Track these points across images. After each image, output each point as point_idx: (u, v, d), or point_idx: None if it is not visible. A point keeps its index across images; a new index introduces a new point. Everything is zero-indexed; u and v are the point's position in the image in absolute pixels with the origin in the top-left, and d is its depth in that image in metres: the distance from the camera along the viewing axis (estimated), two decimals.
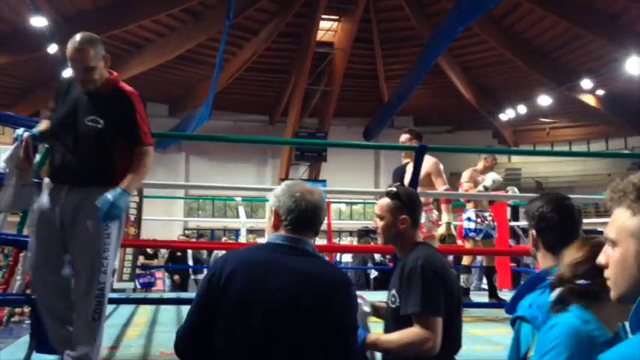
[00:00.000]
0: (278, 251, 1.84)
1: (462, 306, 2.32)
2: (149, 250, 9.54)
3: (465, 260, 5.90)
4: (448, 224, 4.69)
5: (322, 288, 1.77)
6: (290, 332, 1.70)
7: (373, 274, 10.67)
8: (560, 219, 1.95)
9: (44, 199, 2.67)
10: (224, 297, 1.75)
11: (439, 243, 4.66)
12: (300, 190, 1.89)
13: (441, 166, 4.89)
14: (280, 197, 1.90)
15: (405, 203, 2.35)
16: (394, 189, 2.41)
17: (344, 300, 1.81)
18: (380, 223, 2.40)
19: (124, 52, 19.74)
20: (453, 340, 2.25)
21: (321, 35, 20.21)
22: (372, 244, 10.21)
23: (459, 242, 6.49)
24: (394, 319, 2.25)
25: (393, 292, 2.31)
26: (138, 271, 7.71)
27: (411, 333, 2.14)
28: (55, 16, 16.42)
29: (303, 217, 1.87)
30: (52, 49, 15.48)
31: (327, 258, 8.84)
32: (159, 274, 11.44)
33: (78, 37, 2.83)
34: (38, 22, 14.27)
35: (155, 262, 9.92)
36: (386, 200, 2.39)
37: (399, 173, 4.93)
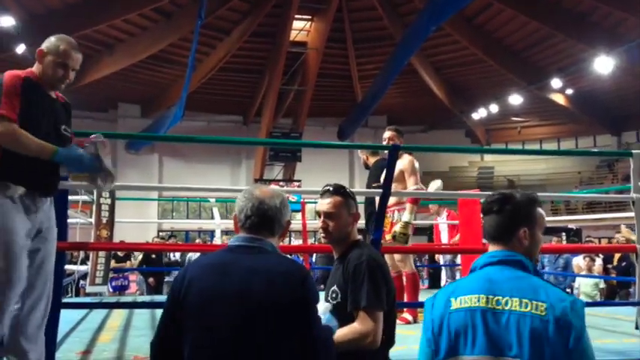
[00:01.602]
0: (235, 252, 1.85)
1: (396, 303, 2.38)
2: (119, 253, 9.41)
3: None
4: (407, 223, 4.65)
5: (277, 283, 1.74)
6: (252, 331, 1.69)
7: None
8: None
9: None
10: (186, 304, 1.76)
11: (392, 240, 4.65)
12: (251, 191, 1.92)
13: (417, 165, 4.87)
14: (238, 201, 1.94)
15: (354, 200, 2.41)
16: (338, 186, 2.43)
17: (300, 293, 1.77)
18: (331, 222, 2.37)
19: (95, 52, 19.47)
20: (390, 335, 2.31)
21: (294, 35, 20.19)
22: None
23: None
24: (337, 316, 2.25)
25: (334, 288, 2.33)
26: (110, 274, 7.59)
27: (355, 328, 2.16)
28: (23, 15, 16.12)
29: (254, 216, 1.88)
30: (20, 49, 15.18)
31: (301, 258, 8.83)
32: (132, 276, 11.31)
33: (68, 38, 2.86)
34: (5, 21, 13.98)
35: (128, 264, 9.79)
36: (338, 198, 2.38)
37: (379, 169, 4.91)
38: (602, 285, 9.07)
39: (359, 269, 2.21)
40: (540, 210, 1.82)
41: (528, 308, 1.58)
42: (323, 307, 2.34)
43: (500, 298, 1.62)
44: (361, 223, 2.87)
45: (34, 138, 2.49)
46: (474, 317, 1.63)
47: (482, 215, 1.83)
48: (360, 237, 2.44)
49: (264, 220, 1.89)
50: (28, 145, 2.47)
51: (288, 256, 3.05)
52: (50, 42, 2.76)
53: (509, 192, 1.81)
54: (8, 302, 2.45)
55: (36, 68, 2.69)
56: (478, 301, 1.64)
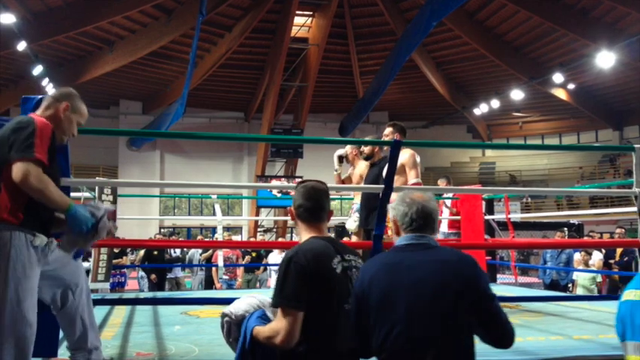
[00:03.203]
0: (404, 250, 2.11)
1: (349, 298, 2.21)
2: (115, 250, 9.39)
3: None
4: None
5: (451, 270, 2.02)
6: (433, 314, 1.95)
7: None
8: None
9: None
10: (370, 301, 2.05)
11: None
12: (411, 197, 2.18)
13: (418, 159, 4.85)
14: (395, 207, 2.19)
15: (301, 195, 2.38)
16: (299, 181, 2.47)
17: (474, 276, 2.03)
18: None
19: (96, 49, 19.48)
20: (329, 332, 2.17)
21: (295, 31, 20.15)
22: (346, 239, 10.16)
23: None
24: None
25: None
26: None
27: (270, 326, 2.18)
28: (24, 13, 16.12)
29: (420, 218, 2.14)
30: (21, 46, 15.18)
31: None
32: (132, 272, 11.30)
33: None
34: (6, 19, 13.96)
35: (124, 259, 9.78)
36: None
37: (376, 167, 4.93)
38: (599, 279, 9.08)
39: (280, 267, 2.19)
40: None
41: None
42: (245, 304, 2.41)
43: None
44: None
45: (56, 187, 2.52)
46: (633, 308, 2.03)
47: None
48: (310, 235, 2.33)
49: (428, 220, 2.15)
50: (51, 193, 2.48)
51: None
52: (73, 99, 2.78)
53: None
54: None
55: (50, 117, 2.68)
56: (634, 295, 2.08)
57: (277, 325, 2.12)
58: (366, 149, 5.16)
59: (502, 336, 2.07)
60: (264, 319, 2.28)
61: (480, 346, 3.65)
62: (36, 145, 2.46)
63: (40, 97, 3.14)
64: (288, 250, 2.23)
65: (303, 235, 2.36)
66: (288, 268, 2.14)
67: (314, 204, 2.37)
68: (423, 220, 2.14)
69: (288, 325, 2.09)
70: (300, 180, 2.48)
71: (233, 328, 2.40)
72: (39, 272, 2.55)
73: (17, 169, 2.41)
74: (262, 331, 2.19)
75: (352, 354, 2.21)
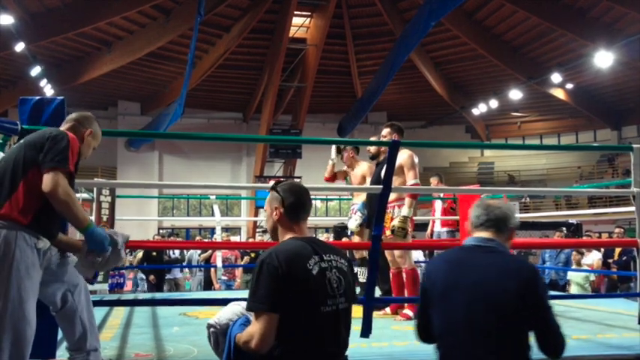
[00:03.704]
0: (470, 250, 2.24)
1: (332, 299, 2.16)
2: None
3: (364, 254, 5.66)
4: (405, 218, 4.63)
5: (508, 277, 2.10)
6: (484, 315, 2.07)
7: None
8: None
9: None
10: (432, 293, 2.22)
11: (392, 235, 4.64)
12: (485, 201, 2.34)
13: (416, 160, 4.86)
14: (472, 210, 2.33)
15: (281, 195, 2.32)
16: (274, 182, 2.42)
17: (529, 286, 2.09)
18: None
19: (94, 49, 19.48)
20: (304, 335, 2.11)
21: (293, 31, 20.15)
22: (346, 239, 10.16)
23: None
24: None
25: None
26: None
27: (246, 330, 2.14)
28: (22, 13, 16.11)
29: (489, 220, 2.27)
30: (19, 47, 15.17)
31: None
32: (129, 273, 11.30)
33: None
34: (4, 20, 13.96)
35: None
36: (270, 193, 2.40)
37: (381, 167, 4.93)
38: (592, 277, 9.09)
39: (255, 269, 2.15)
40: None
41: None
42: (229, 312, 2.38)
43: None
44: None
45: (79, 204, 2.59)
46: None
47: None
48: (289, 235, 2.28)
49: (497, 225, 2.26)
50: (75, 208, 2.54)
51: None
52: (95, 126, 2.88)
53: None
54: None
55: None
56: None
57: (252, 329, 2.09)
58: (372, 149, 5.16)
59: (553, 346, 2.15)
60: (248, 326, 2.22)
61: None
62: (69, 158, 2.54)
63: (37, 97, 3.15)
64: (263, 252, 2.18)
65: (283, 237, 2.31)
66: (261, 271, 2.09)
67: (301, 202, 2.34)
68: (491, 224, 2.26)
69: (261, 328, 2.05)
70: (276, 181, 2.44)
71: (220, 338, 2.36)
72: (41, 274, 2.57)
73: (49, 179, 2.47)
74: (240, 336, 2.15)
75: (331, 357, 2.17)
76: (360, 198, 5.68)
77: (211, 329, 2.39)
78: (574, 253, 9.03)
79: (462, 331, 2.11)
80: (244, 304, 2.38)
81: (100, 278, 6.65)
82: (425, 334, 2.31)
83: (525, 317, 2.08)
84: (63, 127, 2.76)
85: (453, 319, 2.14)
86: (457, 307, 2.12)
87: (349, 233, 5.72)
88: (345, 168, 5.89)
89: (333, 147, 5.78)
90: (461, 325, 2.11)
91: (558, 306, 5.26)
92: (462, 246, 2.33)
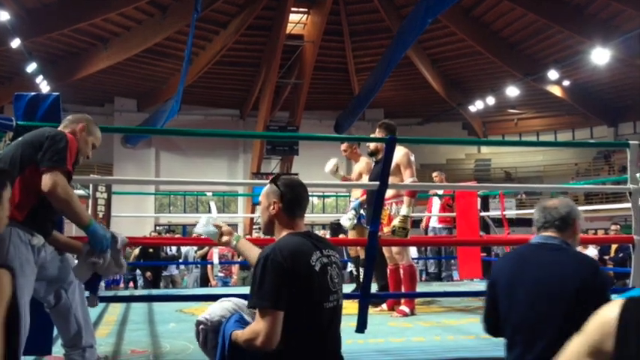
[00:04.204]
0: (536, 248, 2.34)
1: (333, 295, 2.15)
2: None
3: (359, 251, 5.69)
4: (405, 217, 4.64)
5: (570, 273, 2.17)
6: (546, 310, 2.13)
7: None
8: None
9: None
10: (498, 287, 2.32)
11: (392, 234, 4.64)
12: (548, 201, 2.43)
13: (412, 157, 4.85)
14: (535, 211, 2.43)
15: (280, 189, 2.28)
16: (274, 175, 2.39)
17: (593, 283, 2.14)
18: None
19: (90, 46, 19.41)
20: (308, 332, 2.10)
21: (290, 28, 20.12)
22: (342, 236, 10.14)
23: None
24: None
25: None
26: None
27: (250, 327, 2.10)
28: (18, 10, 16.04)
29: (554, 220, 2.35)
30: (15, 43, 15.11)
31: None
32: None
33: None
34: (0, 16, 13.91)
35: None
36: (267, 186, 2.37)
37: (379, 165, 4.93)
38: None
39: (257, 265, 2.10)
40: None
41: None
42: (220, 309, 2.34)
43: None
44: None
45: (79, 203, 2.61)
46: None
47: None
48: (287, 231, 2.25)
49: (555, 224, 2.35)
50: (76, 206, 2.57)
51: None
52: (88, 122, 2.88)
53: None
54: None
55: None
56: None
57: (257, 326, 2.04)
58: (371, 146, 5.16)
59: None
60: (242, 323, 2.20)
61: (473, 342, 3.66)
62: (67, 157, 2.56)
63: (32, 94, 3.14)
64: (264, 248, 2.15)
65: (280, 232, 2.27)
66: (265, 267, 2.05)
67: (300, 198, 2.31)
68: (550, 225, 2.36)
69: (267, 326, 2.01)
70: (273, 176, 2.39)
71: (210, 335, 2.30)
72: (35, 271, 2.56)
73: (48, 178, 2.49)
74: (242, 334, 2.10)
75: (332, 354, 2.16)
76: (355, 194, 5.70)
77: (201, 326, 2.34)
78: None
79: (526, 326, 2.17)
80: (235, 299, 2.38)
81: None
82: (494, 328, 2.38)
83: (587, 312, 2.06)
84: (60, 128, 2.76)
85: (517, 315, 2.22)
86: (520, 304, 2.21)
87: (345, 230, 5.73)
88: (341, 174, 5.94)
89: (331, 175, 5.81)
90: (525, 321, 2.18)
91: None
92: (528, 244, 2.43)
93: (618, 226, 9.39)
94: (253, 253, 2.51)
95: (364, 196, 5.42)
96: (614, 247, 8.96)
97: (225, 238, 2.63)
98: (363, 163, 5.63)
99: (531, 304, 2.17)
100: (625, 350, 1.26)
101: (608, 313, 1.33)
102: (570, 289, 2.12)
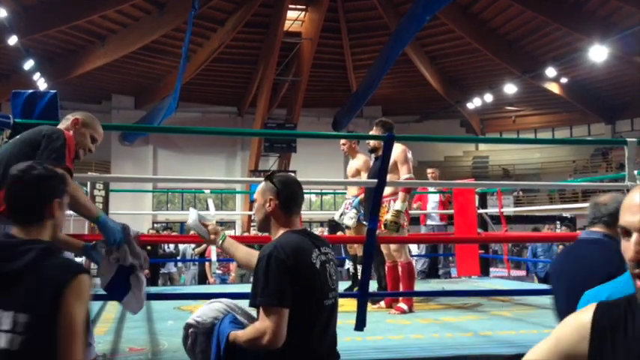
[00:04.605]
0: (581, 243, 2.43)
1: (332, 292, 2.17)
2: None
3: (360, 250, 5.67)
4: (398, 212, 4.64)
5: (598, 266, 2.19)
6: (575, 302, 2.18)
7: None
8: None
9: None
10: (551, 280, 2.50)
11: (385, 229, 4.64)
12: (596, 198, 2.47)
13: (409, 154, 4.86)
14: (587, 208, 2.51)
15: (277, 186, 2.27)
16: (270, 172, 2.39)
17: (618, 271, 2.14)
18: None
19: (88, 43, 19.37)
20: (309, 329, 2.10)
21: (288, 25, 20.08)
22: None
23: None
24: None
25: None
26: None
27: (254, 327, 2.08)
28: (15, 6, 16.00)
29: (593, 217, 2.40)
30: (12, 40, 15.08)
31: None
32: None
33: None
34: None
35: None
36: (262, 183, 2.36)
37: (378, 162, 4.92)
38: None
39: (259, 263, 2.09)
40: None
41: None
42: (212, 310, 2.29)
43: None
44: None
45: (85, 196, 2.63)
46: None
47: None
48: (285, 229, 2.24)
49: (604, 220, 2.36)
50: (83, 200, 2.61)
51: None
52: (86, 115, 2.87)
53: None
54: None
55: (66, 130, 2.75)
56: None
57: (262, 325, 2.02)
58: (371, 142, 5.15)
59: None
60: (237, 324, 2.18)
61: (471, 339, 3.67)
62: (66, 155, 2.55)
63: (30, 91, 3.12)
64: (265, 247, 2.13)
65: (276, 230, 2.26)
66: (269, 265, 2.04)
67: (296, 196, 2.30)
68: (598, 220, 2.39)
69: (274, 324, 2.00)
70: (269, 173, 2.38)
71: (200, 338, 2.27)
72: None
73: None
74: (243, 334, 2.08)
75: (330, 351, 2.16)
76: (352, 191, 5.69)
77: (191, 329, 2.30)
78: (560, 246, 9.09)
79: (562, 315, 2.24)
80: (225, 300, 2.36)
81: (94, 272, 6.63)
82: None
83: None
84: (60, 126, 2.75)
85: (558, 310, 2.32)
86: (560, 297, 2.33)
87: (345, 226, 5.71)
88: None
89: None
90: (564, 316, 2.23)
91: (545, 299, 5.30)
92: (577, 239, 2.56)
93: None
94: (240, 251, 2.55)
95: (363, 194, 5.42)
96: None
97: (211, 237, 2.63)
98: (360, 161, 5.62)
99: (567, 299, 2.22)
100: (599, 354, 1.25)
101: (582, 317, 1.32)
102: (596, 280, 2.11)
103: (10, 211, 1.76)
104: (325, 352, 2.15)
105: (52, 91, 3.24)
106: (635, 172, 4.04)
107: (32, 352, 1.53)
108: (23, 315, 1.53)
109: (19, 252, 1.63)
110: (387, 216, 4.68)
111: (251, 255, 2.49)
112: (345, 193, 6.15)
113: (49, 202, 1.76)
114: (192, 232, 2.72)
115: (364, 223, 5.35)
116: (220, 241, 2.60)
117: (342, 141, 5.82)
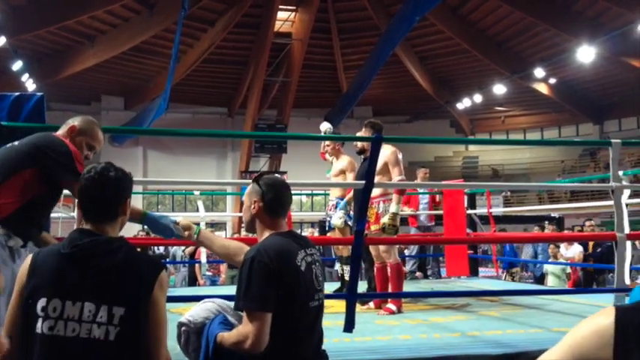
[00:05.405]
0: None
1: (318, 294, 2.16)
2: None
3: (346, 251, 5.67)
4: (394, 214, 4.66)
5: None
6: None
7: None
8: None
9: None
10: None
11: (382, 232, 4.66)
12: None
13: (400, 156, 4.87)
14: None
15: (262, 189, 2.27)
16: (258, 174, 2.38)
17: None
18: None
19: (77, 43, 19.28)
20: (294, 332, 2.09)
21: (278, 26, 20.08)
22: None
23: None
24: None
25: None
26: None
27: (237, 330, 2.07)
28: (3, 6, 15.88)
29: None
30: (0, 41, 14.96)
31: None
32: None
33: (95, 120, 2.95)
34: None
35: None
36: (250, 185, 2.36)
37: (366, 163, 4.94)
38: (568, 270, 9.24)
39: (243, 266, 2.08)
40: None
41: None
42: (203, 310, 2.31)
43: None
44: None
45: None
46: None
47: None
48: (271, 231, 2.23)
49: None
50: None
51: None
52: (83, 122, 2.80)
53: None
54: None
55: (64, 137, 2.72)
56: None
57: (245, 329, 2.01)
58: (359, 144, 5.16)
59: None
60: (227, 324, 2.18)
61: (458, 339, 3.69)
62: (77, 167, 2.60)
63: (16, 94, 3.11)
64: (249, 250, 2.13)
65: (262, 232, 2.25)
66: (252, 268, 2.03)
67: (281, 198, 2.29)
68: None
69: (256, 328, 1.99)
70: (259, 173, 2.39)
71: (192, 337, 2.26)
72: (14, 271, 2.53)
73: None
74: (228, 336, 2.07)
75: (316, 351, 2.16)
76: (335, 193, 5.71)
77: (183, 328, 2.30)
78: (551, 246, 9.18)
79: None
80: (218, 300, 2.35)
81: None
82: None
83: None
84: (58, 132, 2.73)
85: None
86: None
87: (328, 228, 5.72)
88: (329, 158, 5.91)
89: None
90: None
91: (538, 299, 5.34)
92: None
93: (593, 223, 9.55)
94: (215, 244, 2.58)
95: (350, 194, 5.44)
96: (591, 243, 9.07)
97: (185, 234, 2.62)
98: (345, 162, 5.63)
99: None
100: None
101: (601, 321, 1.21)
102: None
103: (86, 210, 1.90)
104: (310, 354, 2.14)
105: (38, 93, 3.22)
106: (621, 172, 4.08)
107: (125, 343, 1.66)
108: (119, 308, 1.66)
109: (111, 249, 1.77)
110: (384, 219, 4.69)
111: (227, 246, 2.52)
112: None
113: (123, 201, 1.96)
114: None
115: (349, 224, 5.38)
116: (195, 236, 2.61)
117: (327, 143, 5.84)
